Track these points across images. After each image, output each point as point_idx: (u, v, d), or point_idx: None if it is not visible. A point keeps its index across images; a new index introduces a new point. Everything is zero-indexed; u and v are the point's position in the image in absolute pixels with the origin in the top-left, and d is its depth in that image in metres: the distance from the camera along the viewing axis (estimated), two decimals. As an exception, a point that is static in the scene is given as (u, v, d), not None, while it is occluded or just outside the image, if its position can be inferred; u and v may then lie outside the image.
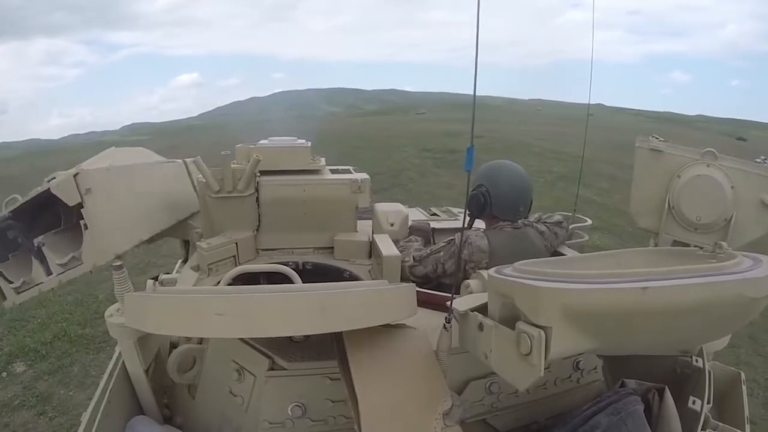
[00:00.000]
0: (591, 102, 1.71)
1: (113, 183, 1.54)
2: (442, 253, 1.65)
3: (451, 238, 1.70)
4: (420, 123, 21.43)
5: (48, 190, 1.38)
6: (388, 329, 0.97)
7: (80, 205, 1.40)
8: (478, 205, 1.70)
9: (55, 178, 1.44)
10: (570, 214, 1.97)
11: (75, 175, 1.38)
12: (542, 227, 1.80)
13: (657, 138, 1.57)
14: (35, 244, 1.49)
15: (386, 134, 16.61)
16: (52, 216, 1.59)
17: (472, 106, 0.79)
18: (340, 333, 0.91)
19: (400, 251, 1.72)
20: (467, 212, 1.73)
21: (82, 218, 1.42)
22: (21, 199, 1.48)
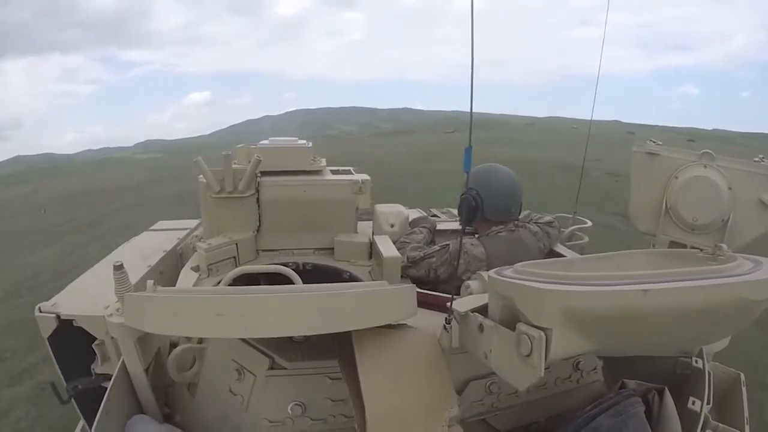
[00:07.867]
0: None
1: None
2: (434, 259, 1.64)
3: (446, 243, 1.68)
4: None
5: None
6: (398, 331, 0.97)
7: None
8: (470, 209, 1.70)
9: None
10: (570, 215, 1.98)
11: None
12: (534, 227, 1.80)
13: (655, 142, 1.58)
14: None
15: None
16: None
17: (469, 110, 0.81)
18: (343, 334, 0.91)
19: (399, 248, 1.72)
20: (460, 217, 1.74)
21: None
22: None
